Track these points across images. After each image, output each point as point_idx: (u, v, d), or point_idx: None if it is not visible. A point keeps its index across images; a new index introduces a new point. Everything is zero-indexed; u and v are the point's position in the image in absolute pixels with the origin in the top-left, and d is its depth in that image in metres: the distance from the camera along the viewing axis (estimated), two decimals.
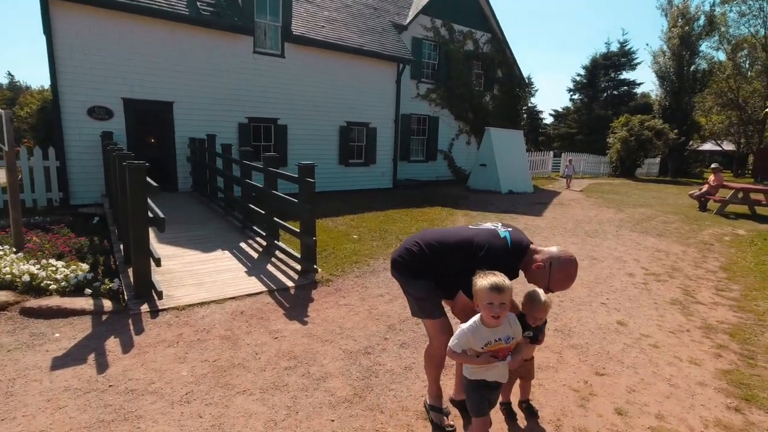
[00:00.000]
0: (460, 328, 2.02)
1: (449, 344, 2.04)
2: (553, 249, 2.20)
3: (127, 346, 3.28)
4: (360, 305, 4.21)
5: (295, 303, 4.23)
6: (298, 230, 5.00)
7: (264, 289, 4.48)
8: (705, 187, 11.24)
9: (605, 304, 4.47)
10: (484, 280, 1.92)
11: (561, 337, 3.68)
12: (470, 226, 2.43)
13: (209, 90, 9.82)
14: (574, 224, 8.70)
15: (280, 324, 3.76)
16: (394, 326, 3.78)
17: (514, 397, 2.70)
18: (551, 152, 22.02)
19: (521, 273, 2.27)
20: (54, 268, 4.34)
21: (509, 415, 2.59)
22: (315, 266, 4.93)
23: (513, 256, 2.22)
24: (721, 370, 3.22)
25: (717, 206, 10.70)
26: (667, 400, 2.83)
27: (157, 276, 4.41)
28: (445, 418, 2.51)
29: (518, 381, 2.65)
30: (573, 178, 16.52)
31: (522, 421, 2.59)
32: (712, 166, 11.74)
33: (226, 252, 5.63)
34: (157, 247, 5.33)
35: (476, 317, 2.01)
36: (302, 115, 11.39)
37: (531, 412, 2.62)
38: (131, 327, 3.58)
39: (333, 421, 2.53)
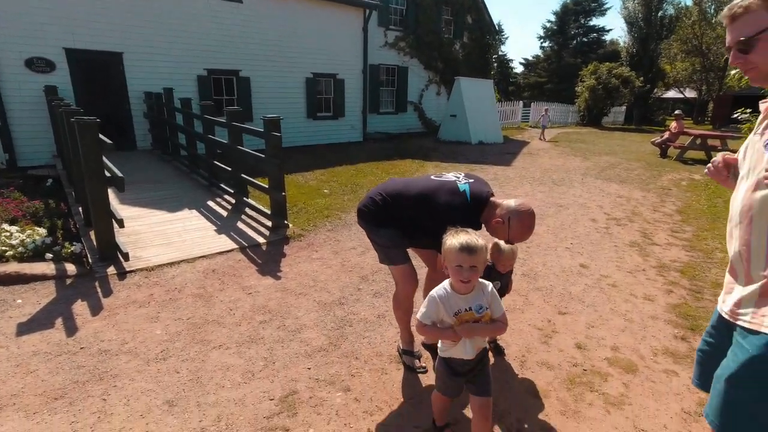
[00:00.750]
0: (429, 295, 1.79)
1: (417, 316, 1.79)
2: (512, 203, 2.19)
3: (95, 309, 3.22)
4: (333, 258, 4.24)
5: (267, 259, 4.22)
6: (267, 186, 4.90)
7: (235, 246, 4.44)
8: (666, 135, 11.60)
9: (569, 248, 4.67)
10: (453, 239, 1.66)
11: (527, 280, 3.85)
12: (432, 177, 2.42)
13: (162, 39, 9.15)
14: (542, 173, 8.89)
15: (253, 280, 3.76)
16: (366, 277, 3.85)
17: None
18: (521, 102, 22.04)
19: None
20: (8, 234, 4.13)
21: None
22: (286, 222, 4.89)
23: (473, 209, 2.22)
24: (671, 305, 3.48)
25: (677, 153, 11.12)
26: (622, 333, 3.05)
27: (122, 238, 4.27)
28: (417, 360, 2.63)
29: None
30: (541, 128, 16.62)
31: (490, 359, 2.74)
32: (675, 113, 12.06)
33: (194, 211, 5.49)
34: (120, 208, 5.13)
35: (446, 282, 1.77)
36: (266, 66, 10.85)
37: (498, 351, 2.78)
38: (98, 290, 3.50)
39: (309, 369, 2.61)
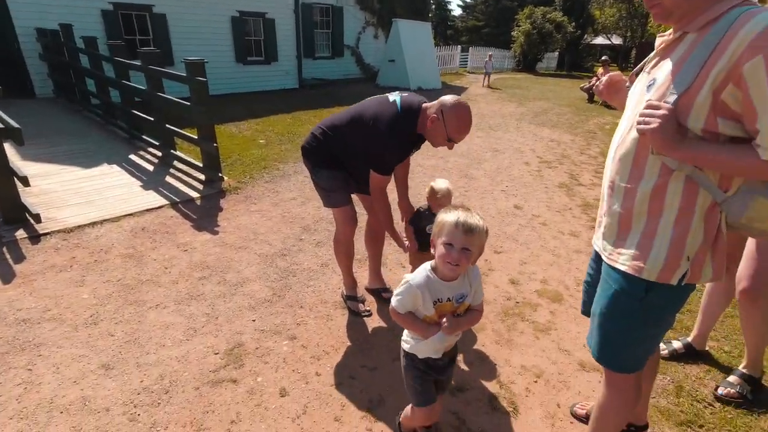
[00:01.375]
0: (405, 280, 1.44)
1: (392, 302, 1.47)
2: (444, 98, 2.11)
3: (6, 276, 2.92)
4: (273, 210, 4.12)
5: (202, 214, 4.02)
6: (196, 137, 4.56)
7: (165, 202, 4.16)
8: (593, 80, 12.16)
9: (505, 191, 4.89)
10: (449, 213, 1.36)
11: None
12: (366, 99, 2.35)
13: None
14: (479, 119, 9.05)
15: (188, 236, 3.58)
16: (308, 227, 3.80)
17: None
18: (459, 47, 21.87)
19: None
20: None
21: None
22: (220, 174, 4.63)
23: (406, 119, 2.13)
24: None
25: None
26: (551, 267, 3.31)
27: (30, 198, 3.84)
28: (360, 304, 2.69)
29: None
30: (485, 74, 16.42)
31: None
32: (601, 59, 12.60)
33: (115, 166, 5.02)
34: (23, 165, 4.57)
35: (427, 265, 1.44)
36: (183, 1, 9.74)
37: None
38: (8, 256, 3.16)
39: (254, 321, 2.59)
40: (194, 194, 4.37)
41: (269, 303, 2.76)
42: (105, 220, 3.74)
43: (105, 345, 2.34)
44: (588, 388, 2.18)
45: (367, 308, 2.69)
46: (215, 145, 4.41)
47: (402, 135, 2.13)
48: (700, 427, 1.96)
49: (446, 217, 1.35)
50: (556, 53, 25.77)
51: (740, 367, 2.18)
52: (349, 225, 2.50)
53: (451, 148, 2.21)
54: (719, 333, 2.58)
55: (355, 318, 2.64)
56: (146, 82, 4.95)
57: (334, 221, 2.58)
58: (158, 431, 1.87)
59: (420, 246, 2.70)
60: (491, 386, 2.16)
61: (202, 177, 4.68)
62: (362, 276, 3.00)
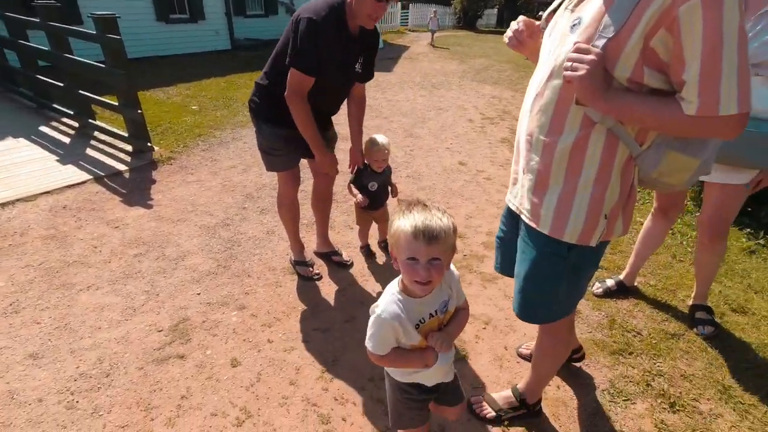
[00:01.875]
0: (375, 316, 1.15)
1: (367, 346, 1.18)
2: None
3: None
4: (211, 180, 3.90)
5: (133, 187, 3.72)
6: (117, 104, 4.15)
7: (88, 177, 3.79)
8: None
9: (449, 148, 4.92)
10: (403, 219, 1.05)
11: (412, 182, 4.00)
12: None
13: None
14: (422, 77, 8.97)
15: (119, 212, 3.31)
16: (251, 195, 3.64)
17: (373, 239, 2.96)
18: (399, 4, 21.26)
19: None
20: None
21: (368, 255, 2.86)
22: (149, 144, 4.28)
23: (331, 5, 1.90)
24: None
25: None
26: (495, 219, 3.41)
27: None
28: (310, 269, 2.64)
29: (375, 225, 2.86)
30: (431, 32, 16.06)
31: (381, 258, 2.89)
32: (537, 15, 12.76)
33: (22, 140, 4.48)
34: None
35: (393, 287, 1.19)
36: None
37: (387, 249, 2.91)
38: None
39: (199, 294, 2.47)
40: (122, 167, 4.02)
41: (214, 275, 2.65)
42: (18, 200, 3.36)
43: (30, 334, 2.15)
44: (533, 329, 2.30)
45: (317, 272, 2.65)
46: (140, 111, 4.04)
47: (327, 22, 1.87)
48: (630, 354, 2.15)
49: (400, 224, 1.04)
50: (495, 10, 25.83)
51: (691, 302, 2.37)
52: (290, 186, 2.40)
53: (374, 20, 1.96)
54: (646, 270, 2.80)
55: (305, 283, 2.60)
56: (48, 42, 4.37)
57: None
58: (101, 416, 1.77)
59: (365, 206, 2.68)
60: None
61: (129, 148, 4.31)
62: (311, 241, 2.94)
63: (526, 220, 1.32)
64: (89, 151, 4.33)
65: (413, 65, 10.59)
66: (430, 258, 1.04)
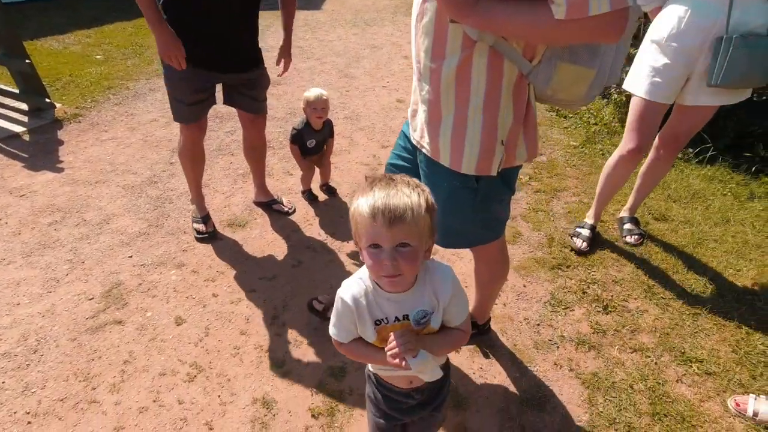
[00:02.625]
0: (338, 294, 0.96)
1: (330, 331, 1.01)
2: None
3: None
4: (130, 136, 3.53)
5: (36, 151, 3.29)
6: None
7: None
8: None
9: (386, 86, 4.77)
10: (362, 198, 0.84)
11: (350, 122, 3.86)
12: None
13: None
14: (354, 14, 8.49)
15: (22, 179, 2.93)
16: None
17: (315, 184, 2.86)
18: None
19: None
20: None
21: (311, 199, 2.77)
22: (48, 100, 3.76)
23: None
24: None
25: None
26: None
27: None
28: (202, 226, 2.42)
29: (317, 170, 2.76)
30: None
31: (324, 201, 2.81)
32: None
33: None
34: None
35: (362, 271, 0.97)
36: None
37: (330, 192, 2.84)
38: None
39: (131, 257, 2.29)
40: (18, 128, 3.52)
41: (146, 235, 2.45)
42: None
43: None
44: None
45: (209, 230, 2.42)
46: (28, 62, 3.49)
47: None
48: (568, 267, 2.29)
49: (359, 204, 0.84)
50: None
51: (621, 215, 2.54)
52: (191, 133, 2.19)
53: None
54: (579, 189, 2.95)
55: (249, 233, 2.49)
56: None
57: None
58: (34, 392, 1.63)
59: (304, 153, 2.58)
60: None
61: (24, 107, 3.76)
62: (248, 191, 2.79)
63: (429, 154, 1.25)
64: None
65: (343, 1, 9.97)
66: (396, 243, 0.81)
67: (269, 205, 2.66)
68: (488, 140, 1.14)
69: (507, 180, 1.29)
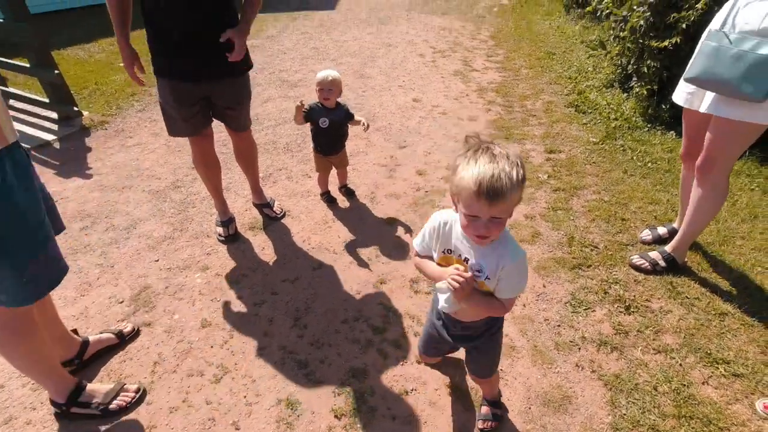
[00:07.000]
0: (435, 215, 1.19)
1: (414, 242, 1.27)
2: None
3: None
4: (154, 141, 3.63)
5: (66, 158, 3.42)
6: (28, 65, 3.70)
7: None
8: None
9: (402, 86, 4.77)
10: (468, 169, 0.96)
11: (369, 122, 3.88)
12: None
13: None
14: (368, 13, 8.50)
15: (54, 186, 3.05)
16: None
17: (333, 186, 2.89)
18: None
19: None
20: None
21: (330, 201, 2.80)
22: (76, 109, 3.89)
23: None
24: (490, 120, 3.94)
25: None
26: (453, 153, 3.37)
27: None
28: (222, 229, 2.49)
29: (335, 170, 2.79)
30: None
31: (343, 203, 2.84)
32: None
33: None
34: None
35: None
36: None
37: (349, 194, 2.87)
38: None
39: (157, 260, 2.37)
40: (49, 137, 3.66)
41: (171, 240, 2.53)
42: None
43: None
44: None
45: (228, 234, 2.48)
46: (57, 72, 3.62)
47: None
48: (588, 267, 2.26)
49: (465, 175, 0.95)
50: None
51: (666, 248, 2.20)
52: (197, 145, 2.26)
53: None
54: (599, 186, 2.90)
55: (269, 236, 2.54)
56: None
57: None
58: None
59: (320, 148, 2.60)
60: (411, 273, 2.26)
61: (54, 115, 3.91)
62: (268, 193, 2.85)
63: None
64: None
65: (357, 0, 9.98)
66: (492, 217, 0.99)
67: (261, 208, 2.70)
68: None
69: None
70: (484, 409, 1.57)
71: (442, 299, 1.29)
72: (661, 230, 2.41)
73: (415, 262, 1.28)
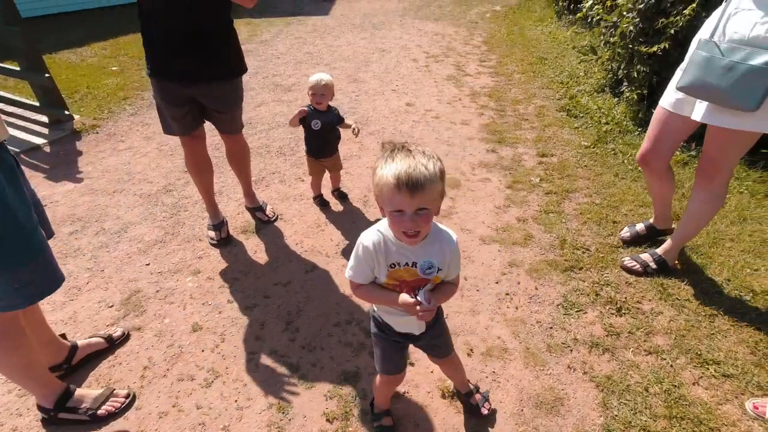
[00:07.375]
0: (360, 240, 1.16)
1: (347, 273, 1.21)
2: None
3: None
4: (146, 145, 3.61)
5: (56, 161, 3.39)
6: (18, 69, 3.67)
7: None
8: None
9: (395, 90, 4.79)
10: (385, 167, 1.00)
11: (360, 126, 3.89)
12: None
13: None
14: (362, 19, 8.54)
15: (44, 189, 3.03)
16: None
17: (326, 189, 2.89)
18: None
19: None
20: None
21: (323, 205, 2.80)
22: (67, 112, 3.87)
23: None
24: (483, 125, 3.96)
25: None
26: (446, 156, 3.41)
27: None
28: (214, 233, 2.48)
29: (327, 174, 2.78)
30: None
31: (336, 206, 2.84)
32: None
33: None
34: None
35: (381, 224, 1.15)
36: None
37: (342, 197, 2.87)
38: None
39: (148, 264, 2.35)
40: (39, 140, 3.63)
41: (162, 243, 2.51)
42: None
43: None
44: (489, 258, 2.38)
45: (221, 237, 2.47)
46: (48, 76, 3.60)
47: None
48: (580, 269, 2.28)
49: (383, 174, 0.99)
50: None
51: (658, 251, 2.21)
52: (188, 146, 2.29)
53: None
54: (591, 189, 2.93)
55: (261, 240, 2.53)
56: None
57: None
58: None
59: (312, 151, 2.60)
60: None
61: (45, 119, 3.88)
62: (261, 197, 2.83)
63: None
64: None
65: (351, 6, 10.03)
66: (416, 209, 1.00)
67: (253, 211, 2.70)
68: None
69: None
70: (475, 398, 1.60)
71: (400, 326, 1.30)
72: (639, 227, 2.44)
73: (359, 294, 1.22)
